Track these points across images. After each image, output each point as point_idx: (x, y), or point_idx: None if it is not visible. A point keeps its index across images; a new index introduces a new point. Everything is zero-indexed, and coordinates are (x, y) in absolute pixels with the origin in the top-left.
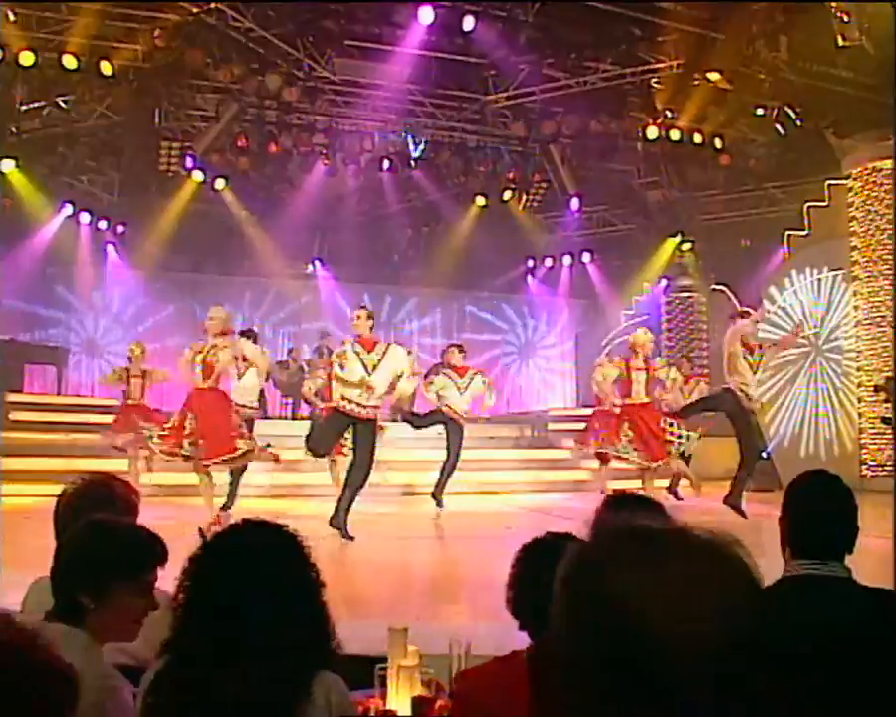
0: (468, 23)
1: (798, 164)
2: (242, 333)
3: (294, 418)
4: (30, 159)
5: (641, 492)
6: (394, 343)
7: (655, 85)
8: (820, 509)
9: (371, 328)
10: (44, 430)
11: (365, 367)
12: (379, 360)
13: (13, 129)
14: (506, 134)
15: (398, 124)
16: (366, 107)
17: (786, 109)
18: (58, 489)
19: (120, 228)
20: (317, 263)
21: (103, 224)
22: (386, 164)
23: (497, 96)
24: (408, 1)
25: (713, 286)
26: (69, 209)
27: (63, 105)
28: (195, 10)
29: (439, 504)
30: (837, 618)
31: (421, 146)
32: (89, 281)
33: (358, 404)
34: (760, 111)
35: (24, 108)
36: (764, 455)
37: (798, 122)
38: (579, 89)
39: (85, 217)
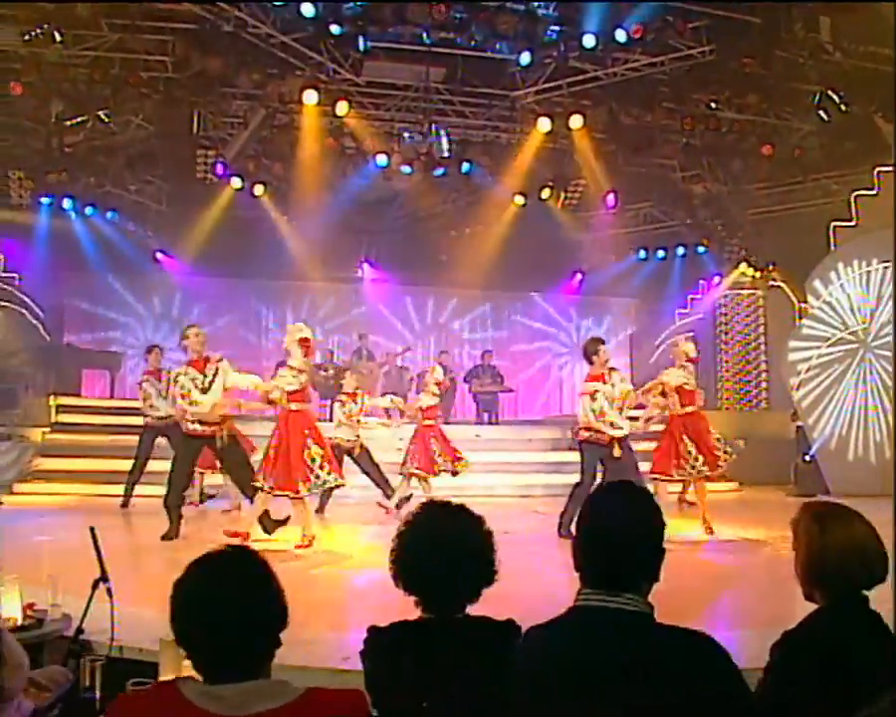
0: (486, 18)
1: (847, 152)
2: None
3: (331, 421)
4: (76, 171)
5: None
6: (224, 360)
7: (688, 73)
8: (612, 530)
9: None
10: (90, 432)
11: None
12: (210, 382)
13: (58, 143)
14: (537, 130)
15: (427, 124)
16: (395, 108)
17: (830, 93)
18: (98, 489)
19: (167, 235)
20: (366, 265)
21: (150, 231)
22: (420, 165)
23: (525, 91)
24: (423, 1)
25: (770, 282)
26: (116, 217)
27: (103, 118)
28: (212, 17)
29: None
30: (620, 659)
31: (448, 146)
32: (140, 287)
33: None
34: (802, 96)
35: (68, 123)
36: (807, 457)
37: (843, 107)
38: (608, 81)
39: (132, 225)
